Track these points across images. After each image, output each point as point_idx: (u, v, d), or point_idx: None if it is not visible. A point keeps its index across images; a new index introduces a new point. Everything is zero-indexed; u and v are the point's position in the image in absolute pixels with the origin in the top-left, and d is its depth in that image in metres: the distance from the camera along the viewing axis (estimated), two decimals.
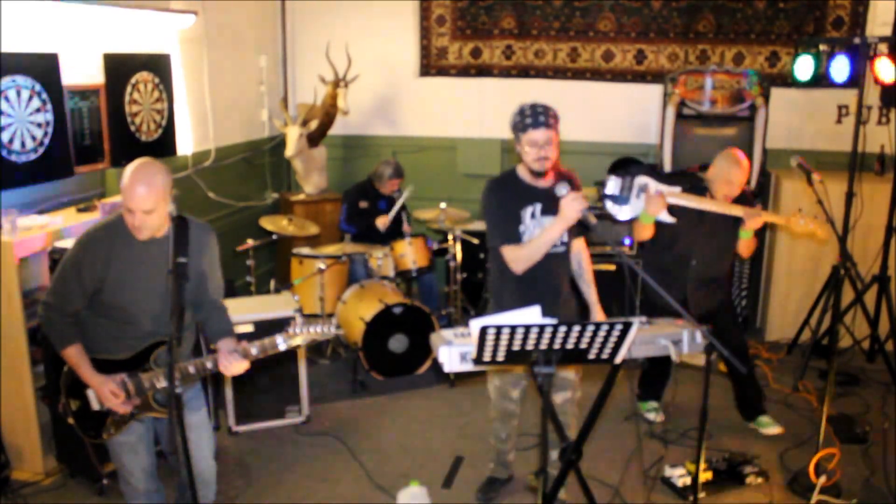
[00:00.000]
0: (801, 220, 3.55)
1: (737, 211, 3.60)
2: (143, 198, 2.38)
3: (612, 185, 3.78)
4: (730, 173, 3.61)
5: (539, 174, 2.91)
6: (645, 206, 3.62)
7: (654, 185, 3.69)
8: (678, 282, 3.78)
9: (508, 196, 2.97)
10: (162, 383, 2.52)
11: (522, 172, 2.99)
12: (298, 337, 2.53)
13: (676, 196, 3.63)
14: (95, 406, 2.57)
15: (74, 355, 2.51)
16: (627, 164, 4.17)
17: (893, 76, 4.32)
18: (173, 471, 2.48)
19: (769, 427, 4.04)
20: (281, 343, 2.53)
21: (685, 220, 3.68)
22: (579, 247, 3.16)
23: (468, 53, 6.02)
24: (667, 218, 3.64)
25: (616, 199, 3.81)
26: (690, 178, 3.95)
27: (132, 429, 2.61)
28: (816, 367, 4.69)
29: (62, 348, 2.52)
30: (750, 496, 3.47)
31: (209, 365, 2.54)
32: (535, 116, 2.81)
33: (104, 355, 2.54)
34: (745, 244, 3.75)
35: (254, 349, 2.55)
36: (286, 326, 2.55)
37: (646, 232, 3.69)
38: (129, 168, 2.41)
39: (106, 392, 2.49)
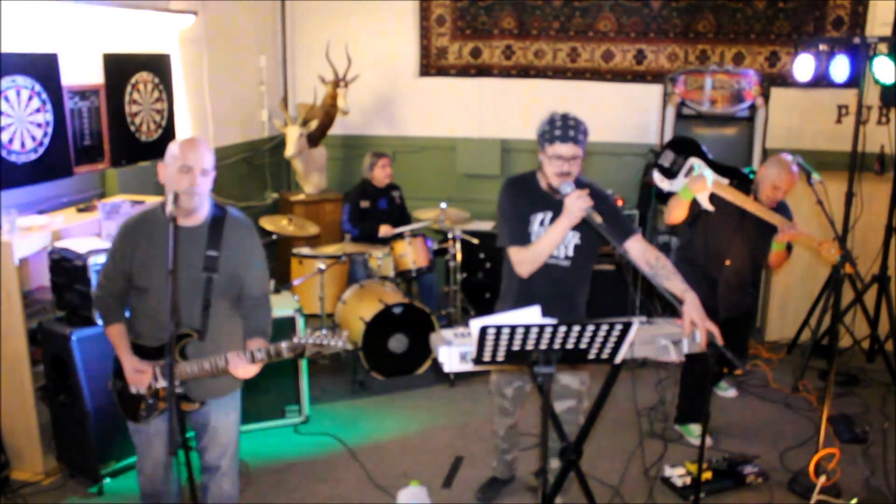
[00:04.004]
0: (831, 248, 3.63)
1: (775, 219, 3.60)
2: (204, 155, 2.47)
3: (667, 157, 4.07)
4: (778, 178, 3.60)
5: (555, 190, 2.76)
6: (688, 183, 3.66)
7: (705, 168, 3.86)
8: (710, 280, 3.76)
9: (523, 198, 2.89)
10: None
11: (542, 179, 2.89)
12: (306, 349, 2.51)
13: (723, 187, 3.64)
14: (132, 389, 2.61)
15: (114, 334, 2.61)
16: (688, 143, 4.26)
17: (894, 76, 4.32)
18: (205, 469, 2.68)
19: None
20: (286, 351, 2.51)
21: (725, 216, 3.68)
22: (639, 247, 2.82)
23: (468, 53, 6.02)
24: (705, 203, 3.66)
25: (665, 171, 4.04)
26: (739, 177, 3.92)
27: (157, 420, 2.62)
28: (816, 367, 4.68)
29: (105, 326, 2.64)
30: (750, 496, 3.47)
31: (221, 364, 2.53)
32: (565, 130, 2.69)
33: (141, 341, 2.59)
34: (775, 255, 3.74)
35: (259, 353, 2.52)
36: (292, 336, 2.52)
37: (680, 211, 3.66)
38: (182, 138, 2.54)
39: (131, 369, 2.55)
